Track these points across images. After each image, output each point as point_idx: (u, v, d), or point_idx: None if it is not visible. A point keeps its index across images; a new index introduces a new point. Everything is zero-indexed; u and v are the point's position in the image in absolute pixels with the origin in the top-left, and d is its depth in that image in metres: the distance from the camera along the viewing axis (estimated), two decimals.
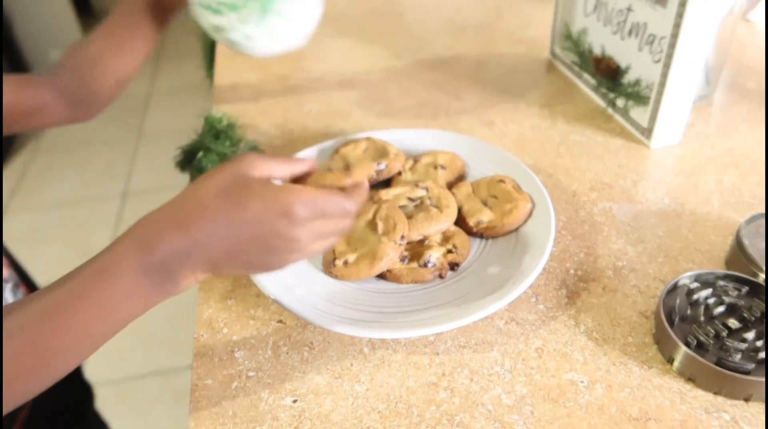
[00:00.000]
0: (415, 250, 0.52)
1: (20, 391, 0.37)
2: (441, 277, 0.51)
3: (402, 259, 0.52)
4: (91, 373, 1.62)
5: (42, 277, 2.01)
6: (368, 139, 0.65)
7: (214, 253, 0.39)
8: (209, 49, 1.00)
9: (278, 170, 0.43)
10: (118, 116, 2.62)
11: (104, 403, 1.52)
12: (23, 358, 0.36)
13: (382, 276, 0.52)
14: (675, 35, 0.61)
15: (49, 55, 2.76)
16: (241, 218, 0.39)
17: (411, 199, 0.56)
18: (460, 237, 0.54)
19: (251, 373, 0.46)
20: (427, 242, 0.53)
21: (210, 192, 0.40)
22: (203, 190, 0.40)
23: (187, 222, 0.39)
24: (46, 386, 0.38)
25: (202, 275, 0.40)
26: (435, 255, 0.52)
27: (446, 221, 0.54)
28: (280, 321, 0.50)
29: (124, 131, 2.53)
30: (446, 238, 0.54)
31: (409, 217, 0.54)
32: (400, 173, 0.62)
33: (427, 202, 0.55)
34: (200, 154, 0.65)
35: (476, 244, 0.55)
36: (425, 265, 0.51)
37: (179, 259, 0.38)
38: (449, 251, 0.52)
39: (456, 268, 0.51)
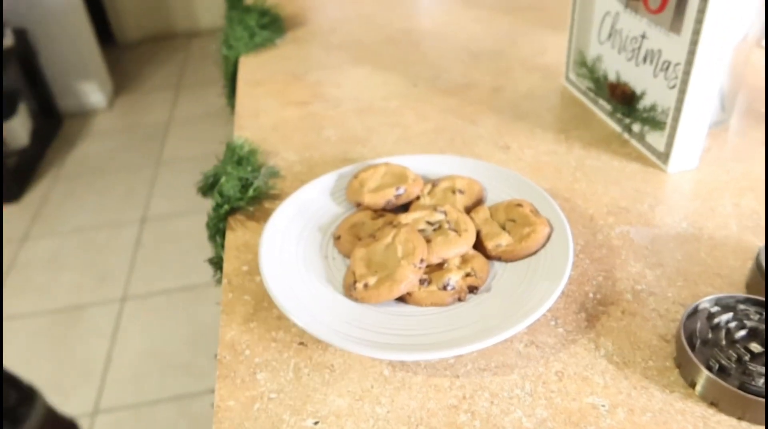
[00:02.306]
0: (435, 274, 0.53)
1: None
2: (460, 299, 0.51)
3: (422, 282, 0.52)
4: (110, 397, 1.62)
5: (62, 300, 2.04)
6: (387, 164, 0.66)
7: None
8: (230, 77, 1.03)
9: None
10: (139, 144, 2.68)
11: (121, 428, 1.53)
12: None
13: (402, 299, 0.52)
14: (689, 62, 0.62)
15: (73, 85, 2.83)
16: None
17: (430, 223, 0.57)
18: (479, 260, 0.54)
19: (273, 395, 0.46)
20: (446, 265, 0.54)
21: None
22: None
23: None
24: None
25: None
26: (454, 278, 0.52)
27: (465, 245, 0.54)
28: (301, 343, 0.50)
29: (144, 158, 2.57)
30: (465, 261, 0.54)
31: (428, 240, 0.54)
32: (418, 198, 0.63)
33: (446, 225, 0.56)
34: (222, 179, 0.67)
35: (495, 267, 0.55)
36: (445, 288, 0.52)
37: None
38: (468, 274, 0.53)
39: (475, 291, 0.52)
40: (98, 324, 1.83)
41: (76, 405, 1.59)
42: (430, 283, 0.53)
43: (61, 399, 1.60)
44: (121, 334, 1.79)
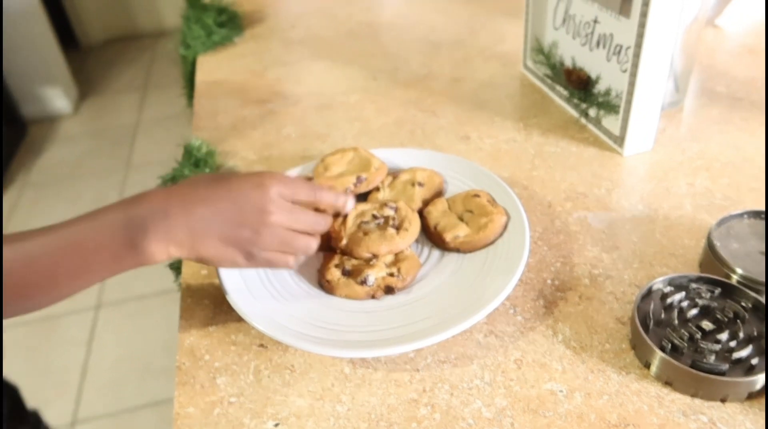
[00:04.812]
0: (359, 267, 0.53)
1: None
2: (374, 297, 0.51)
3: (344, 274, 0.53)
4: (88, 407, 1.60)
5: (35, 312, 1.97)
6: (355, 149, 0.65)
7: (191, 220, 0.43)
8: (189, 77, 1.01)
9: (301, 193, 0.47)
10: (107, 149, 2.63)
11: None
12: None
13: (322, 287, 0.53)
14: (639, 44, 0.62)
15: (36, 91, 2.77)
16: (220, 189, 0.44)
17: (375, 217, 0.57)
18: (409, 263, 0.54)
19: (233, 399, 0.46)
20: (373, 262, 0.54)
21: (205, 177, 0.46)
22: (197, 176, 0.47)
23: (174, 189, 0.44)
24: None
25: (176, 250, 0.43)
26: (373, 275, 0.52)
27: (399, 244, 0.54)
28: (261, 345, 0.50)
29: (113, 163, 2.53)
30: (397, 261, 0.54)
31: (366, 233, 0.55)
32: (378, 189, 0.62)
33: (391, 222, 0.56)
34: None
35: (453, 259, 0.55)
36: (362, 284, 0.52)
37: (158, 217, 0.42)
38: (391, 274, 0.53)
39: (392, 292, 0.52)
40: (73, 333, 1.80)
41: (54, 416, 1.57)
42: (351, 275, 0.53)
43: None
44: (97, 342, 1.77)
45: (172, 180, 0.68)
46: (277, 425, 0.44)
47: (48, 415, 1.57)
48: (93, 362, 1.71)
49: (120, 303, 1.88)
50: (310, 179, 0.63)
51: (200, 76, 0.95)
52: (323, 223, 0.50)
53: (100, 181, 2.44)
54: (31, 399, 1.60)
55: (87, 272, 0.43)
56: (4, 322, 1.83)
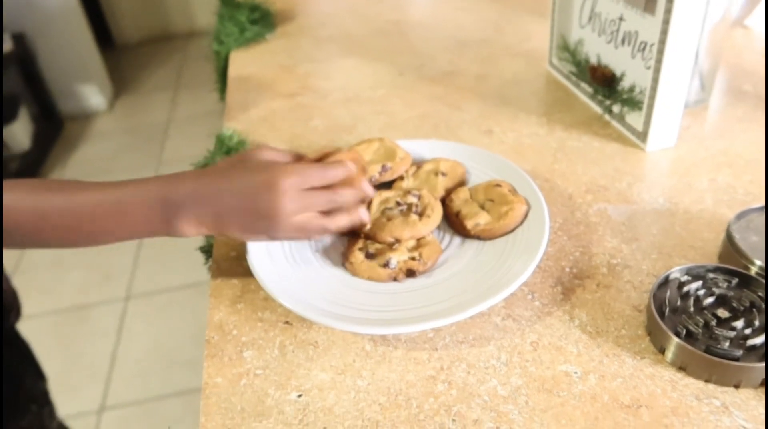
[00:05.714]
0: (382, 251, 0.55)
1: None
2: (396, 279, 0.53)
3: (367, 256, 0.55)
4: (116, 394, 1.65)
5: (67, 300, 2.04)
6: (381, 139, 0.67)
7: (216, 207, 0.48)
8: (222, 73, 1.05)
9: (313, 181, 0.50)
10: (140, 145, 2.70)
11: (128, 424, 1.56)
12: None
13: (345, 268, 0.55)
14: (663, 41, 0.63)
15: (73, 87, 2.86)
16: (240, 183, 0.49)
17: (399, 204, 0.58)
18: (431, 248, 0.55)
19: (259, 371, 0.48)
20: (395, 246, 0.55)
21: (224, 163, 0.52)
22: (222, 162, 0.53)
23: (205, 175, 0.50)
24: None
25: (205, 229, 0.49)
26: (396, 258, 0.54)
27: (421, 229, 0.56)
28: (286, 322, 0.52)
29: (145, 159, 2.60)
30: (418, 245, 0.56)
31: (389, 219, 0.56)
32: (402, 178, 0.64)
33: (414, 209, 0.58)
34: None
35: (474, 245, 0.57)
36: (385, 266, 0.53)
37: (190, 201, 0.48)
38: (413, 258, 0.54)
39: (413, 275, 0.53)
40: (103, 323, 1.86)
41: (83, 402, 1.62)
42: (374, 257, 0.54)
43: (68, 397, 1.63)
44: (126, 332, 1.82)
45: (203, 167, 0.71)
46: (300, 396, 0.46)
47: (78, 401, 1.62)
48: (122, 352, 1.76)
49: (150, 295, 1.93)
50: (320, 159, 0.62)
51: (233, 71, 0.98)
52: (340, 198, 0.51)
53: (133, 177, 2.49)
54: (62, 386, 1.66)
55: (123, 231, 0.50)
56: (37, 310, 1.90)
